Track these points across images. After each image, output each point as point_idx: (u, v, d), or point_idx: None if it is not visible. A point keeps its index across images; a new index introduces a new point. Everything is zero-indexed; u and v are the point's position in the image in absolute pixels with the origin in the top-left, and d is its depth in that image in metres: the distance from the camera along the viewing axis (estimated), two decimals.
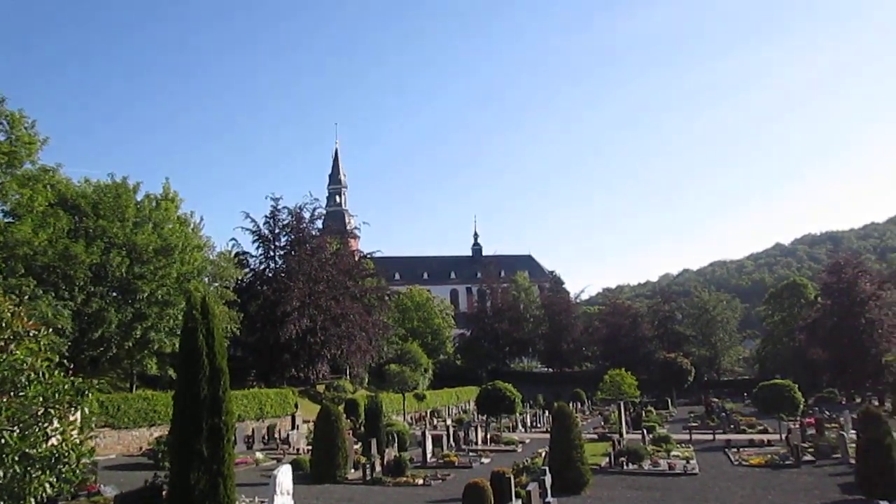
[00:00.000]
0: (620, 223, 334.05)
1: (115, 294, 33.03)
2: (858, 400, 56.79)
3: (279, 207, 54.25)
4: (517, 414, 40.88)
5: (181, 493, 10.74)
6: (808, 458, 24.65)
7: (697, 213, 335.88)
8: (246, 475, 22.61)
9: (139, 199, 34.95)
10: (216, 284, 40.02)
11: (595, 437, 33.51)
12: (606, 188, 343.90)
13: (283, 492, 13.44)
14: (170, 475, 11.47)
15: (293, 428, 36.14)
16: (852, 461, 20.61)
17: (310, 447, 25.58)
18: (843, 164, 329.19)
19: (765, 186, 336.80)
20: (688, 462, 24.05)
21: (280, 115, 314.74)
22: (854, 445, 20.58)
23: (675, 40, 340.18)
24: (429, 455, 26.22)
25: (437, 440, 28.92)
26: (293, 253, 52.73)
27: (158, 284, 33.26)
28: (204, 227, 39.09)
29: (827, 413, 41.09)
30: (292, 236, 53.72)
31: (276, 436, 35.19)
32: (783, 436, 29.29)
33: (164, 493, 13.18)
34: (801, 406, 33.86)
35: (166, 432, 20.47)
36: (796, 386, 33.19)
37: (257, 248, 54.05)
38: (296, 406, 41.48)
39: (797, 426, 30.39)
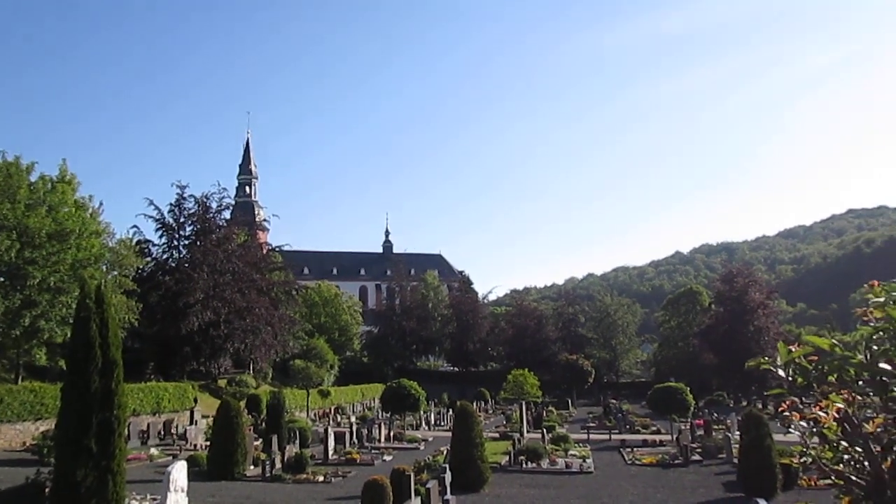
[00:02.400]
0: (530, 227, 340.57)
1: (2, 279, 31.18)
2: (745, 403, 59.78)
3: (185, 196, 52.56)
4: (421, 412, 41.08)
5: (66, 490, 10.26)
6: (696, 457, 25.81)
7: (603, 220, 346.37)
8: (139, 472, 21.87)
9: (33, 181, 33.07)
10: (115, 273, 38.35)
11: (497, 435, 34.01)
12: (518, 193, 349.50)
13: (177, 489, 13.04)
14: (54, 472, 10.95)
15: (192, 423, 35.09)
16: (736, 461, 21.70)
17: (208, 443, 24.93)
18: (740, 180, 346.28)
19: (667, 198, 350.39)
20: (584, 461, 24.74)
21: (191, 102, 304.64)
22: (738, 446, 21.67)
23: (587, 54, 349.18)
24: (331, 452, 26.03)
25: (339, 437, 28.74)
26: (198, 243, 51.17)
27: (51, 270, 31.54)
28: (103, 212, 37.35)
29: (715, 415, 43.04)
30: (198, 226, 52.10)
31: (174, 431, 34.11)
32: (674, 436, 30.52)
33: (47, 490, 12.56)
34: (692, 408, 35.36)
35: (54, 426, 19.51)
36: (688, 389, 34.63)
37: (160, 236, 52.23)
38: (195, 401, 40.26)
39: (687, 427, 31.75)
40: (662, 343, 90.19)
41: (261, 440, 27.70)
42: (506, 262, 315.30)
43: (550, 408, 50.89)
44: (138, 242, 48.94)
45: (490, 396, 62.94)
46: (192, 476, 18.27)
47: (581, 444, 29.68)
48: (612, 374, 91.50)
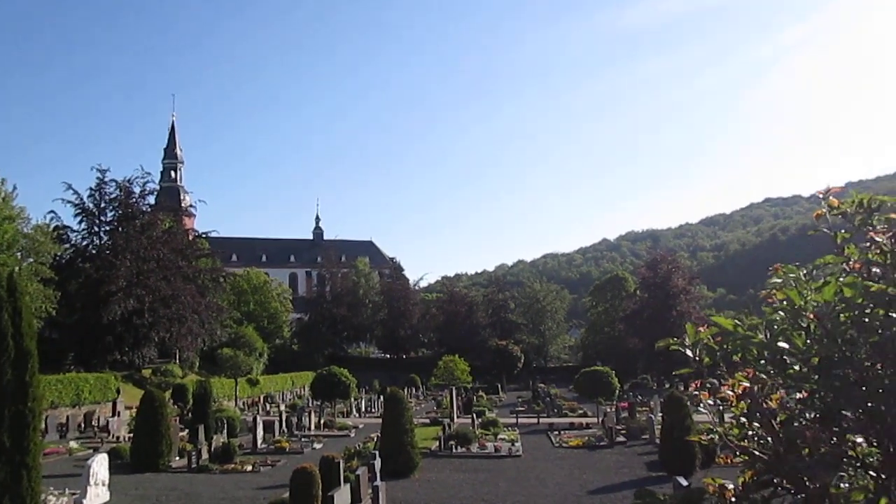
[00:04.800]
0: (461, 213, 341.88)
1: None
2: (668, 386, 61.72)
3: (106, 180, 50.91)
4: (352, 399, 40.97)
5: None
6: (621, 439, 26.56)
7: (532, 206, 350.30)
8: (57, 466, 21.19)
9: None
10: (30, 260, 36.91)
11: (427, 421, 34.21)
12: (449, 180, 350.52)
13: (97, 482, 12.73)
14: None
15: (114, 415, 34.04)
16: (658, 441, 22.43)
17: (131, 435, 24.32)
18: (664, 170, 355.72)
19: (595, 186, 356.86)
20: (513, 444, 25.15)
21: (112, 82, 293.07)
22: (660, 427, 22.40)
23: (521, 46, 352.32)
24: (259, 441, 25.74)
25: (268, 426, 28.41)
26: (120, 229, 49.67)
27: None
28: (17, 196, 35.89)
29: (640, 398, 44.30)
30: (120, 211, 50.60)
31: (95, 424, 33.09)
32: (600, 419, 31.30)
33: None
34: (618, 391, 36.32)
35: None
36: (613, 373, 35.55)
37: (80, 222, 50.52)
38: (118, 392, 39.10)
39: (613, 410, 32.58)
40: (590, 328, 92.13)
41: (187, 431, 27.14)
42: (437, 248, 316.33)
43: (481, 393, 51.45)
44: (56, 228, 47.34)
45: (421, 382, 63.21)
46: (115, 469, 17.82)
47: (510, 428, 30.15)
48: (541, 358, 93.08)
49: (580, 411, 39.02)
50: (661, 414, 24.99)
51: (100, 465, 12.00)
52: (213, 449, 22.52)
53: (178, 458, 22.29)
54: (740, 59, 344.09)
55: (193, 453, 21.57)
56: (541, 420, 34.70)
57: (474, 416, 31.41)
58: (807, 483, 2.58)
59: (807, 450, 2.60)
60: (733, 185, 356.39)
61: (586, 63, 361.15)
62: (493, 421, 30.93)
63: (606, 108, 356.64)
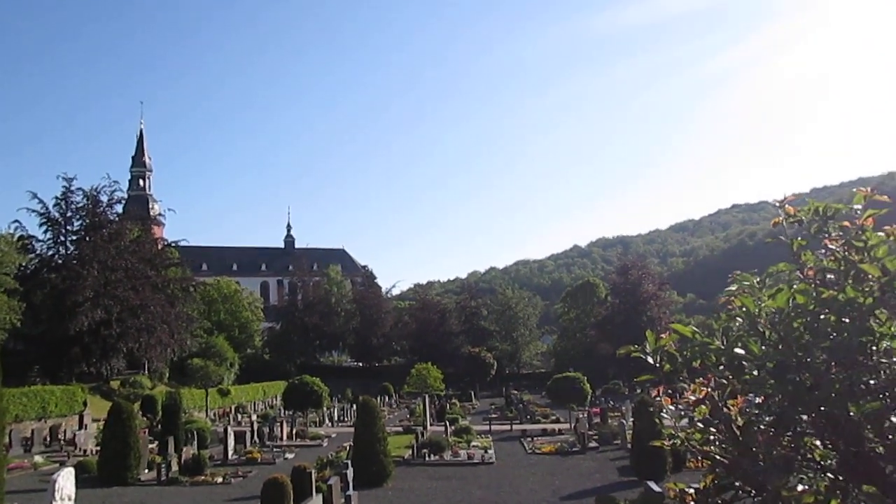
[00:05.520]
0: (433, 221, 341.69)
1: None
2: (639, 391, 62.21)
3: (72, 189, 50.16)
4: (324, 408, 40.72)
5: None
6: (593, 444, 26.73)
7: (504, 213, 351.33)
8: (21, 481, 20.79)
9: None
10: None
11: (400, 429, 34.12)
12: (420, 186, 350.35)
13: (63, 497, 12.50)
14: None
15: (81, 428, 33.46)
16: (630, 446, 22.61)
17: (99, 448, 23.93)
18: (635, 177, 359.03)
19: (566, 193, 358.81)
20: (486, 452, 25.19)
21: (79, 90, 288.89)
22: (631, 432, 22.58)
23: (488, 54, 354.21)
24: (231, 452, 25.48)
25: (240, 437, 28.13)
26: (87, 238, 48.96)
27: None
28: None
29: (611, 403, 44.64)
30: (87, 220, 49.86)
31: (61, 437, 32.49)
32: (572, 425, 31.47)
33: None
34: (589, 397, 36.59)
35: None
36: (586, 378, 35.82)
37: (45, 232, 49.70)
38: (85, 404, 38.42)
39: (585, 416, 32.80)
40: (562, 334, 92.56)
41: (156, 443, 26.76)
42: (409, 256, 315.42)
43: (454, 400, 51.49)
44: (20, 238, 46.63)
45: (394, 391, 63.04)
46: (82, 483, 17.54)
47: (483, 436, 30.19)
48: (513, 365, 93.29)
49: (553, 417, 39.18)
50: (632, 419, 25.21)
51: (66, 480, 11.77)
52: (183, 461, 22.23)
53: (147, 470, 21.98)
54: (708, 65, 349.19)
55: (163, 466, 21.28)
56: (514, 427, 34.80)
57: (447, 423, 31.40)
58: (763, 485, 2.65)
59: (762, 453, 2.67)
60: (702, 191, 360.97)
61: (556, 69, 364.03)
62: (466, 428, 30.95)
63: (576, 114, 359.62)
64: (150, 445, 25.42)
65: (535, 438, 29.48)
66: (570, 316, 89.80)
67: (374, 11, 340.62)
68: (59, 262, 48.37)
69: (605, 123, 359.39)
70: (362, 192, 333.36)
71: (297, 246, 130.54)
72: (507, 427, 34.83)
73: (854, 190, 3.08)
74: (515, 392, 61.33)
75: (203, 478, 20.89)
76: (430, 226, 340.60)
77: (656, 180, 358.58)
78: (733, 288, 2.92)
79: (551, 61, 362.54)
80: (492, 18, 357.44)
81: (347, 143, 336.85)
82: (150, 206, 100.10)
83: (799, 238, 3.07)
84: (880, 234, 2.86)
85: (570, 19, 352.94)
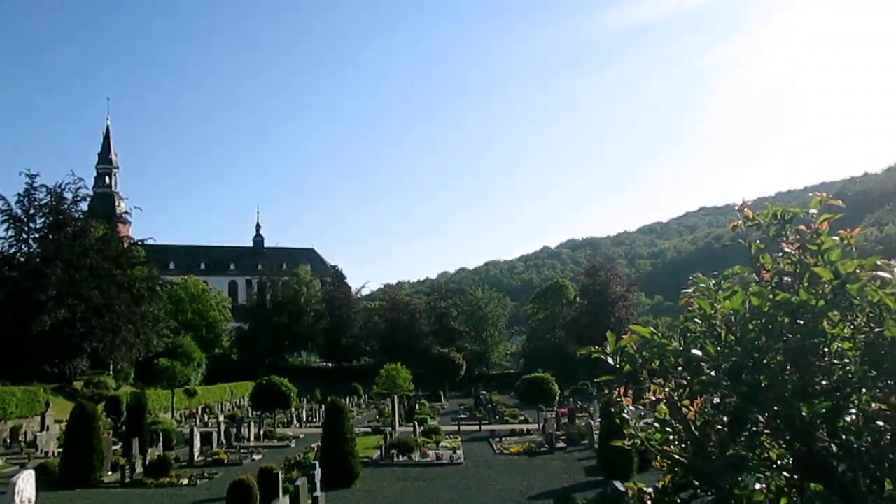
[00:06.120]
0: (403, 221, 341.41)
1: None
2: (607, 391, 62.65)
3: (36, 185, 49.22)
4: (293, 409, 40.44)
5: None
6: (561, 444, 26.93)
7: (475, 215, 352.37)
8: None
9: None
10: None
11: (369, 430, 34.04)
12: (391, 187, 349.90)
13: (23, 500, 12.29)
14: None
15: (42, 429, 32.80)
16: (597, 446, 22.80)
17: (61, 450, 23.52)
18: (603, 179, 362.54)
19: (536, 194, 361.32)
20: (454, 452, 25.23)
21: (43, 85, 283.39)
22: (598, 432, 22.77)
23: (461, 54, 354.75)
24: (197, 453, 25.22)
25: (206, 438, 27.86)
26: (51, 236, 48.16)
27: None
28: None
29: (579, 403, 44.89)
30: (51, 218, 48.98)
31: (22, 439, 31.85)
32: (541, 425, 31.66)
33: None
34: (558, 397, 36.82)
35: None
36: (554, 379, 36.04)
37: (7, 229, 48.74)
38: (47, 405, 37.66)
39: (553, 416, 33.01)
40: (531, 335, 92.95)
41: (121, 444, 26.37)
42: (379, 256, 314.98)
43: (423, 401, 51.44)
44: None
45: (363, 391, 62.84)
46: (44, 485, 17.22)
47: (452, 436, 30.23)
48: (483, 366, 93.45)
49: (521, 418, 39.36)
50: (599, 419, 25.42)
51: (26, 483, 11.55)
52: (147, 462, 21.97)
53: (110, 472, 21.67)
54: (676, 74, 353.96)
55: (127, 467, 20.99)
56: (482, 427, 34.90)
57: (416, 424, 31.40)
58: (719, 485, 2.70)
59: (714, 453, 2.72)
60: (670, 194, 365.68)
61: (528, 74, 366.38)
62: (434, 429, 31.00)
63: (547, 118, 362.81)
64: (114, 447, 25.05)
65: (503, 439, 29.60)
66: (539, 317, 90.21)
67: (341, 11, 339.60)
68: (22, 260, 47.52)
69: (575, 127, 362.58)
70: (333, 193, 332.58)
71: (266, 245, 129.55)
72: (476, 427, 34.90)
73: (810, 195, 3.16)
74: (485, 392, 61.44)
75: (168, 479, 20.64)
76: (401, 227, 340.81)
77: (625, 183, 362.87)
78: (690, 290, 2.98)
79: (523, 67, 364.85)
80: (462, 23, 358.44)
81: (318, 142, 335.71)
82: (117, 203, 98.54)
83: (758, 241, 3.13)
84: (835, 238, 2.93)
85: (543, 27, 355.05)
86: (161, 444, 26.96)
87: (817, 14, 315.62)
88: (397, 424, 33.74)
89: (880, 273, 2.66)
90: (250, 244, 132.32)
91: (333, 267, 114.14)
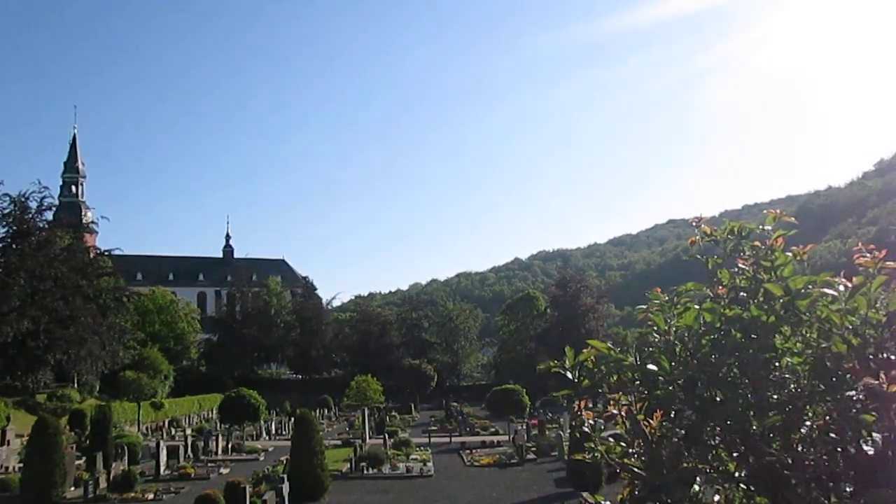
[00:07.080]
0: (375, 232, 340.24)
1: None
2: (577, 403, 62.92)
3: None
4: (262, 422, 40.05)
5: None
6: (531, 456, 26.99)
7: (447, 226, 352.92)
8: None
9: None
10: None
11: (339, 442, 33.84)
12: (362, 198, 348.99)
13: None
14: None
15: (3, 444, 32.10)
16: (567, 458, 22.89)
17: (22, 465, 23.02)
18: (574, 191, 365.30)
19: (507, 206, 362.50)
20: (425, 464, 25.19)
21: (9, 91, 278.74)
22: (568, 443, 22.87)
23: (439, 62, 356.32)
24: (163, 467, 24.89)
25: (173, 451, 27.51)
26: (14, 246, 47.25)
27: None
28: None
29: (550, 415, 45.02)
30: (13, 227, 48.09)
31: None
32: (511, 437, 31.70)
33: None
34: (528, 409, 36.91)
35: None
36: (524, 391, 36.14)
37: None
38: (8, 419, 36.89)
39: (523, 427, 33.08)
40: (502, 346, 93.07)
41: (84, 458, 25.88)
42: (350, 267, 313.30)
43: (394, 413, 51.28)
44: None
45: (334, 403, 62.42)
46: (3, 502, 16.87)
47: (423, 448, 30.16)
48: (454, 377, 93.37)
49: (492, 429, 39.37)
50: (569, 431, 25.54)
51: None
52: (112, 477, 21.61)
53: (73, 488, 21.28)
54: (648, 85, 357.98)
55: (90, 482, 20.62)
56: (453, 439, 34.86)
57: (387, 436, 31.28)
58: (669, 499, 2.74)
59: (666, 467, 2.77)
60: (639, 206, 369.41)
61: (498, 85, 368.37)
62: (405, 441, 30.89)
63: (517, 129, 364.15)
64: (78, 461, 24.58)
65: (474, 451, 29.59)
66: (510, 328, 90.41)
67: (309, 20, 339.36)
68: None
69: (545, 139, 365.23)
70: (304, 203, 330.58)
71: (236, 256, 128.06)
72: (447, 439, 34.86)
73: (765, 211, 3.24)
74: (455, 404, 61.34)
75: (133, 494, 20.33)
76: (372, 238, 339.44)
77: (596, 194, 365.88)
78: (644, 307, 3.04)
79: (496, 78, 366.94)
80: (446, 33, 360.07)
81: (289, 151, 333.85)
82: (83, 213, 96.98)
83: (715, 257, 3.20)
84: (788, 254, 3.01)
85: (518, 36, 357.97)
86: (126, 458, 26.49)
87: (780, 35, 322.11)
88: (368, 437, 33.58)
89: (826, 290, 2.73)
90: (220, 254, 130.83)
91: (304, 278, 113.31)
